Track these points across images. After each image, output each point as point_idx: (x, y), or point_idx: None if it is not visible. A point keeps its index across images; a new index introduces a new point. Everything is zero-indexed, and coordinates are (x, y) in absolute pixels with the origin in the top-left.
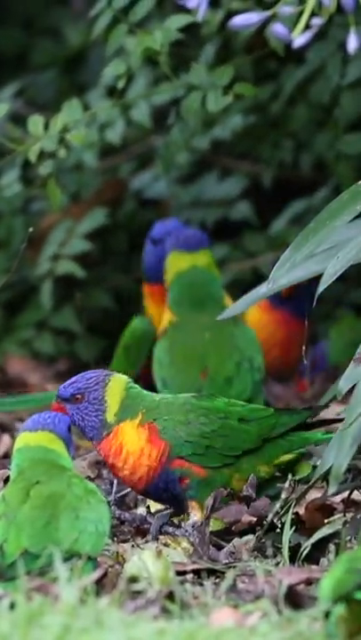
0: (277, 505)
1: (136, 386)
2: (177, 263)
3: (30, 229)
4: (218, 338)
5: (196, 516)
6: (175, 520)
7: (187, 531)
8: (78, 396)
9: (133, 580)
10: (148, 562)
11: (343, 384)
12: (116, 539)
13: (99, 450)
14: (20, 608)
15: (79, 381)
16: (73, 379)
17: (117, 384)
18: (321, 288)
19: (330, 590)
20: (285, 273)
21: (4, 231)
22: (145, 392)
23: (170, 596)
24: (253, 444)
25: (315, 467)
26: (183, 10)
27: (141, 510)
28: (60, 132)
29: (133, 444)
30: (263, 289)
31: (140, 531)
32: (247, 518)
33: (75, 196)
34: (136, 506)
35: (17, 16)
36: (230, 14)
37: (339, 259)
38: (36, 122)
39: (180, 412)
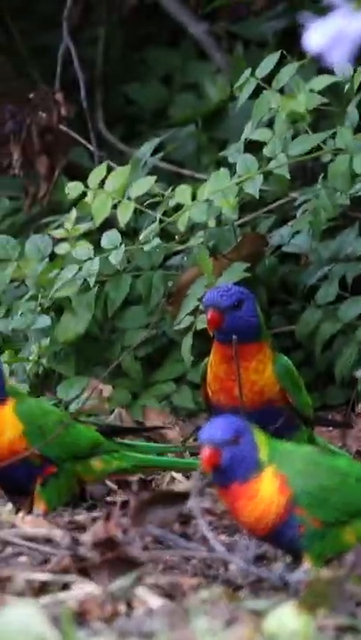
0: None
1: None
2: None
3: (170, 284)
4: None
5: (306, 566)
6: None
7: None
8: (234, 438)
9: (274, 637)
10: (288, 618)
11: None
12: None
13: (231, 492)
14: None
15: (229, 426)
16: (217, 423)
17: (255, 428)
18: None
19: None
20: None
21: (143, 286)
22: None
23: None
24: None
25: None
26: (324, 70)
27: (279, 566)
28: (207, 200)
29: (267, 491)
30: None
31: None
32: None
33: (214, 250)
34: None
35: (157, 71)
36: None
37: None
38: (183, 191)
39: (301, 463)
